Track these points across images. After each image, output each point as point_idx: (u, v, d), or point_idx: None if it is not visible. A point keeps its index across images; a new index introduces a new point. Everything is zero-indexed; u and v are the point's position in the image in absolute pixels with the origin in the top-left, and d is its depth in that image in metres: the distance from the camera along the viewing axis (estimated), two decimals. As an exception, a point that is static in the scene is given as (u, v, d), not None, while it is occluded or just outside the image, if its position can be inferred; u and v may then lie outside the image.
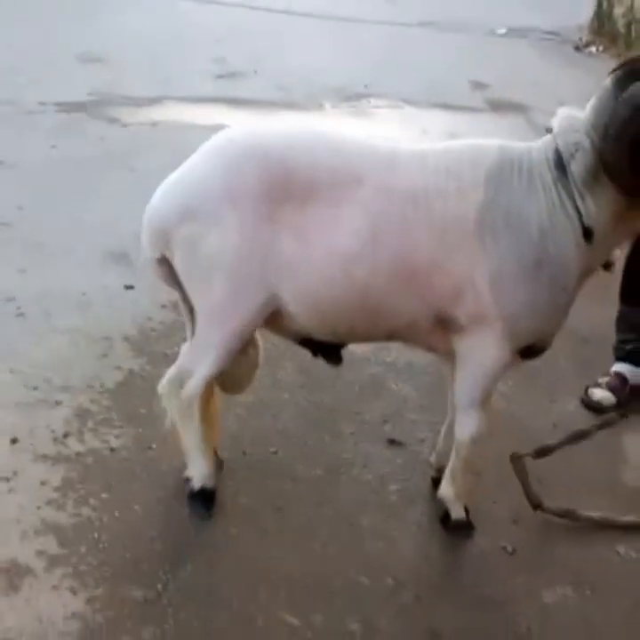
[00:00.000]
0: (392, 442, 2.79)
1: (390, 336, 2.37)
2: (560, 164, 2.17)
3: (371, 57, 7.26)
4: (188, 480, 2.42)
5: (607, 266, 2.49)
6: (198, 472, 2.41)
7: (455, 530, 2.45)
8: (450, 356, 2.33)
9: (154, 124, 5.33)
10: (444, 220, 2.16)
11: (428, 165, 2.21)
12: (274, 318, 2.28)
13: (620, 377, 3.06)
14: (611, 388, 3.04)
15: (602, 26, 8.34)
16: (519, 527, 2.49)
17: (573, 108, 2.24)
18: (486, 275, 2.15)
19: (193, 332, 2.39)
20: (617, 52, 7.98)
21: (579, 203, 2.15)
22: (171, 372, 2.39)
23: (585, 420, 2.91)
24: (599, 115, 2.12)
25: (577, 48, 8.29)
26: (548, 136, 2.23)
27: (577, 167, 2.15)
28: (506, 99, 6.60)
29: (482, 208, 2.15)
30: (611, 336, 3.22)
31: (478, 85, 6.89)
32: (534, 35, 8.70)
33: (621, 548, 2.45)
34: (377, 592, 2.24)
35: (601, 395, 3.02)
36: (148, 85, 6.01)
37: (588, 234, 2.17)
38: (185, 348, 2.42)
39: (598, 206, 2.16)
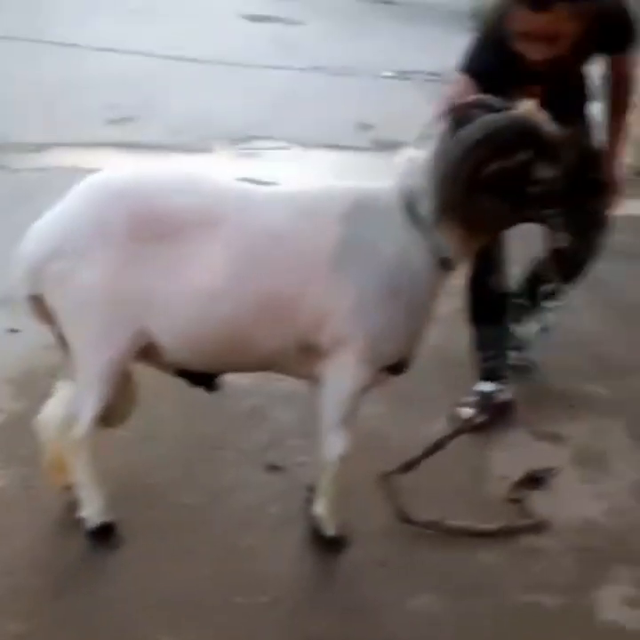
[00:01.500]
0: (272, 467, 2.93)
1: (262, 366, 2.53)
2: (408, 204, 2.37)
3: (262, 100, 7.48)
4: (83, 519, 2.50)
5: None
6: (94, 509, 2.50)
7: (329, 545, 2.59)
8: (317, 381, 2.49)
9: (44, 169, 5.39)
10: (303, 255, 2.34)
11: (287, 205, 2.40)
12: (148, 351, 2.41)
13: (484, 395, 3.28)
14: (476, 407, 3.25)
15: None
16: (389, 540, 2.65)
17: (415, 147, 2.46)
18: (346, 304, 2.33)
19: (70, 371, 2.49)
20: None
21: (428, 237, 2.36)
22: (58, 415, 2.48)
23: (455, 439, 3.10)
24: (437, 157, 2.33)
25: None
26: (397, 176, 2.43)
27: (422, 206, 2.36)
28: (391, 138, 6.87)
29: (339, 243, 2.33)
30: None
31: (364, 126, 7.17)
32: (419, 76, 9.08)
33: (483, 555, 2.63)
34: (253, 609, 2.36)
35: (468, 414, 3.23)
36: (39, 131, 6.06)
37: (443, 264, 2.40)
38: (60, 385, 2.52)
39: (446, 238, 2.37)
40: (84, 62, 8.13)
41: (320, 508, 2.59)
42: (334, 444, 2.48)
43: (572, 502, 2.85)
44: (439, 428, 3.17)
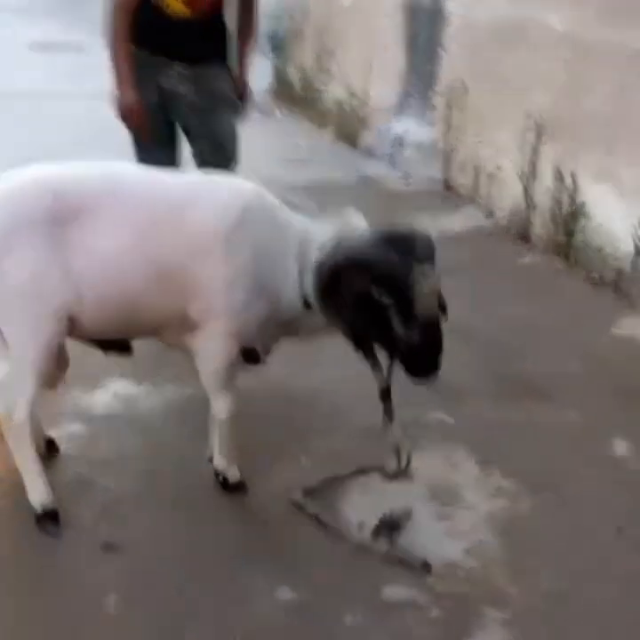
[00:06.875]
0: (108, 546, 2.62)
1: (154, 332, 2.74)
2: (303, 249, 2.67)
3: (48, 130, 6.98)
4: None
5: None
6: (38, 495, 2.61)
7: (234, 489, 2.86)
8: (189, 350, 2.73)
9: None
10: (198, 232, 2.57)
11: (192, 187, 2.68)
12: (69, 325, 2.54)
13: None
14: None
15: (282, 90, 8.70)
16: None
17: (356, 216, 2.72)
18: (224, 283, 2.58)
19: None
20: (299, 113, 8.36)
21: (305, 279, 2.65)
22: None
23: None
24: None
25: (264, 113, 8.58)
26: (327, 225, 2.71)
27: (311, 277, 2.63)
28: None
29: (232, 231, 2.58)
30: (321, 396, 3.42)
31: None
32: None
33: (346, 615, 2.45)
34: None
35: None
36: None
37: (305, 303, 2.68)
38: None
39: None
40: None
41: (220, 460, 2.85)
42: (221, 408, 2.76)
43: (430, 544, 2.72)
44: (290, 473, 3.00)
